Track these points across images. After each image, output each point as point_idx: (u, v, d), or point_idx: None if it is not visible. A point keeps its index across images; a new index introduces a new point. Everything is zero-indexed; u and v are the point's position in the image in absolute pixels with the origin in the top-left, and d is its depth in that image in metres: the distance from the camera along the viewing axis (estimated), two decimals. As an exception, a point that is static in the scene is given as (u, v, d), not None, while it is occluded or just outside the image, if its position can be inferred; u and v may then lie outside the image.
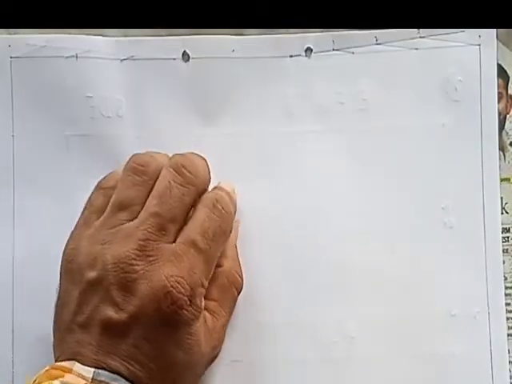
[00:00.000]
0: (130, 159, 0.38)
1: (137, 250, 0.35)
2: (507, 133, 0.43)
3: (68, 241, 0.37)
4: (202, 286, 0.36)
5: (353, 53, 0.42)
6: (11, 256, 0.41)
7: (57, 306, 0.37)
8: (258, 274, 0.41)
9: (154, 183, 0.37)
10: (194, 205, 0.38)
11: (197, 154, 0.39)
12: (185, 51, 0.42)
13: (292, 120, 0.42)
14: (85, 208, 0.38)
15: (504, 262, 0.42)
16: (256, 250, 0.41)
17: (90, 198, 0.38)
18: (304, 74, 0.42)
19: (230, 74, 0.42)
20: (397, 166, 0.42)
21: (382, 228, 0.42)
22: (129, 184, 0.37)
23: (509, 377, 0.41)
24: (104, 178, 0.39)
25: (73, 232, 0.38)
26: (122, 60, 0.42)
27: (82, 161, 0.42)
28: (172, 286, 0.34)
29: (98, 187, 0.39)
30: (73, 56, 0.42)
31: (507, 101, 0.43)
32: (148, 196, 0.37)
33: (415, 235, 0.42)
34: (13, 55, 0.42)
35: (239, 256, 0.41)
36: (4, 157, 0.42)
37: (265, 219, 0.41)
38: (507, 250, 0.42)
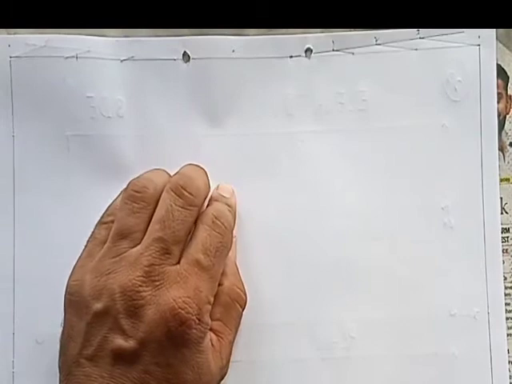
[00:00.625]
0: (127, 186, 0.38)
1: (142, 276, 0.35)
2: (507, 133, 0.43)
3: (71, 274, 0.37)
4: (209, 302, 0.36)
5: (353, 53, 0.42)
6: (12, 257, 0.41)
7: (62, 340, 0.36)
8: (258, 274, 0.41)
9: (154, 207, 0.37)
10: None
11: (195, 167, 0.40)
12: (185, 52, 0.41)
13: (292, 120, 0.42)
14: (88, 242, 0.38)
15: (504, 262, 0.42)
16: (256, 250, 0.41)
17: (92, 233, 0.39)
18: (304, 74, 0.42)
19: (230, 75, 0.42)
20: (396, 166, 0.42)
21: (381, 228, 0.42)
22: (128, 212, 0.37)
23: (508, 377, 0.41)
24: (104, 212, 0.39)
25: (75, 265, 0.38)
26: (122, 60, 0.41)
27: (83, 161, 0.42)
28: (180, 308, 0.35)
29: (100, 222, 0.39)
30: (73, 56, 0.42)
31: (507, 101, 0.43)
32: (148, 221, 0.37)
33: (415, 235, 0.42)
34: (12, 55, 0.42)
35: (240, 258, 0.41)
36: (4, 157, 0.42)
37: (265, 219, 0.41)
38: (507, 250, 0.42)
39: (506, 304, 0.42)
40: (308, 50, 0.42)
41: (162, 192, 0.38)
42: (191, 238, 0.37)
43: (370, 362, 0.41)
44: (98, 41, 0.42)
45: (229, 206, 0.40)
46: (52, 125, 0.42)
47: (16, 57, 0.42)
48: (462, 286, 0.41)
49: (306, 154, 0.42)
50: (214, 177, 0.41)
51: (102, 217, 0.39)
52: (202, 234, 0.37)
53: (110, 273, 0.35)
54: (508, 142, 0.43)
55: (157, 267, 0.35)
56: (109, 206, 0.39)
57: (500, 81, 0.42)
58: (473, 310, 0.41)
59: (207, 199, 0.40)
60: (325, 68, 0.42)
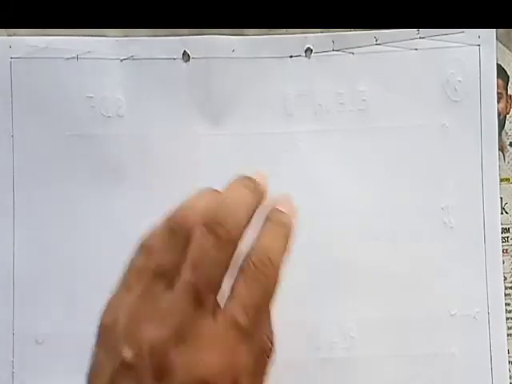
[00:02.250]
0: (168, 213, 0.34)
1: (173, 334, 0.31)
2: (507, 133, 0.43)
3: (107, 305, 0.34)
4: (248, 372, 0.32)
5: (353, 53, 0.42)
6: (11, 257, 0.41)
7: (89, 373, 0.33)
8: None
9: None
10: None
11: (241, 188, 0.34)
12: (185, 51, 0.42)
13: (292, 120, 0.42)
14: (126, 267, 0.34)
15: (503, 262, 0.42)
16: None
17: (131, 258, 0.34)
18: (304, 74, 0.42)
19: (230, 74, 0.42)
20: (397, 166, 0.42)
21: (381, 228, 0.42)
22: (166, 247, 0.33)
23: (508, 377, 0.41)
24: (145, 235, 0.34)
25: (113, 296, 0.34)
26: (122, 60, 0.42)
27: (83, 161, 0.42)
28: (212, 375, 0.30)
29: (140, 245, 0.34)
30: (73, 57, 0.42)
31: (507, 101, 0.43)
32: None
33: (415, 235, 0.42)
34: (13, 56, 0.42)
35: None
36: (3, 157, 0.42)
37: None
38: (507, 250, 0.42)
39: (506, 304, 0.42)
40: (308, 50, 0.42)
41: None
42: (231, 290, 0.33)
43: (370, 362, 0.41)
44: (98, 41, 0.42)
45: (284, 234, 0.34)
46: (52, 125, 0.42)
47: (17, 58, 0.42)
48: (462, 286, 0.41)
49: (306, 154, 0.42)
50: (214, 177, 0.40)
51: (143, 239, 0.34)
52: (242, 290, 0.32)
53: (143, 320, 0.32)
54: (508, 142, 0.43)
55: (189, 321, 0.31)
56: (150, 231, 0.35)
57: (500, 80, 0.42)
58: (473, 310, 0.41)
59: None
60: (325, 68, 0.42)
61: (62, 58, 0.42)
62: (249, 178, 0.35)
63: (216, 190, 0.34)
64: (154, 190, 0.41)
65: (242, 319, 0.31)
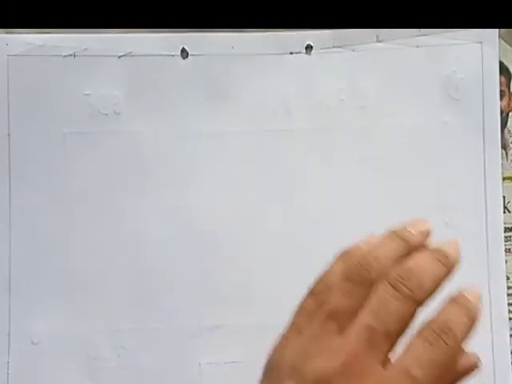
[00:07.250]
0: (349, 256, 0.34)
1: (340, 367, 0.31)
2: (510, 131, 0.42)
3: (276, 345, 0.34)
4: None
5: (353, 50, 0.42)
6: (8, 257, 0.41)
7: None
8: (259, 274, 0.41)
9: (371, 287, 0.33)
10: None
11: (432, 257, 0.34)
12: (184, 48, 0.41)
13: (292, 117, 0.42)
14: (295, 312, 0.35)
15: (506, 262, 0.42)
16: (257, 250, 0.41)
17: (301, 302, 0.34)
18: (304, 71, 0.42)
19: (230, 71, 0.41)
20: (397, 164, 0.42)
21: (382, 227, 0.41)
22: (345, 293, 0.33)
23: (511, 379, 0.41)
24: (317, 280, 0.35)
25: (282, 337, 0.34)
26: (119, 57, 0.41)
27: (80, 158, 0.41)
28: None
29: (309, 292, 0.35)
30: (70, 55, 0.42)
31: (509, 98, 0.42)
32: (362, 302, 0.33)
33: (416, 235, 0.41)
34: (10, 53, 0.42)
35: (241, 257, 0.41)
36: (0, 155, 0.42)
37: (265, 217, 0.41)
38: (509, 249, 0.42)
39: (509, 304, 0.42)
40: (308, 47, 0.42)
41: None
42: (406, 348, 0.32)
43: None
44: (95, 38, 0.42)
45: (469, 317, 0.33)
46: (49, 122, 0.42)
47: (14, 55, 0.42)
48: (463, 286, 0.41)
49: (305, 152, 0.42)
50: (214, 175, 0.40)
51: (313, 285, 0.35)
52: (419, 348, 0.31)
53: (310, 356, 0.32)
54: (511, 140, 0.42)
55: (359, 359, 0.31)
56: (319, 277, 0.35)
57: (502, 78, 0.42)
58: (475, 310, 0.41)
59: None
60: (325, 64, 0.42)
61: (59, 55, 0.42)
62: (442, 251, 0.34)
63: (402, 238, 0.34)
64: (151, 187, 0.41)
65: (417, 372, 0.30)
